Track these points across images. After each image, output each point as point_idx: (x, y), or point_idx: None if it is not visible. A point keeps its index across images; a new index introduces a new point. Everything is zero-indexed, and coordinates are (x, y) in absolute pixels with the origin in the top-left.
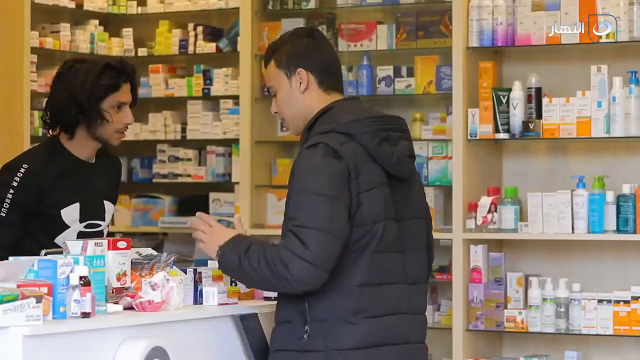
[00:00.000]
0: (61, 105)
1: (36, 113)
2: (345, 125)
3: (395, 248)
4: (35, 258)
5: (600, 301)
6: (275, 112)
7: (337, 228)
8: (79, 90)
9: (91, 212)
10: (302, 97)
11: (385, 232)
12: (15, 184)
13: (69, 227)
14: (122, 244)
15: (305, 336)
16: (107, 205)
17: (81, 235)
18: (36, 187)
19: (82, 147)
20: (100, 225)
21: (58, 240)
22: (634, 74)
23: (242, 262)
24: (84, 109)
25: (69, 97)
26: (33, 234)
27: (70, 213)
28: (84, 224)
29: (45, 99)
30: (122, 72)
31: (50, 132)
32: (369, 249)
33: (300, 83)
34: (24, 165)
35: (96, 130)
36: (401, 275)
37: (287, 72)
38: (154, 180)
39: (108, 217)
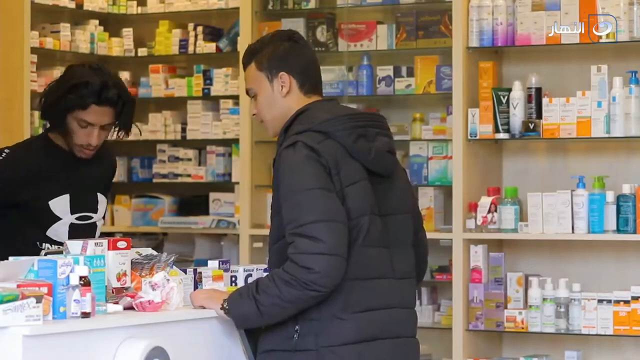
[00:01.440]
0: (43, 107)
1: (36, 113)
2: (321, 124)
3: (381, 243)
4: (35, 258)
5: (600, 301)
6: (254, 114)
7: (339, 214)
8: (49, 94)
9: (82, 204)
10: (283, 100)
11: (370, 226)
12: None
13: (60, 218)
14: (122, 244)
15: (295, 336)
16: (100, 197)
17: (73, 228)
18: (13, 172)
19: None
20: (92, 218)
21: (50, 232)
22: (634, 74)
23: (258, 300)
24: (50, 116)
25: (44, 96)
26: (24, 227)
27: (60, 204)
28: (76, 215)
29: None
30: (99, 94)
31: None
32: (357, 243)
33: (282, 86)
34: (5, 150)
35: (62, 136)
36: (389, 270)
37: (268, 75)
38: (154, 180)
39: (101, 208)
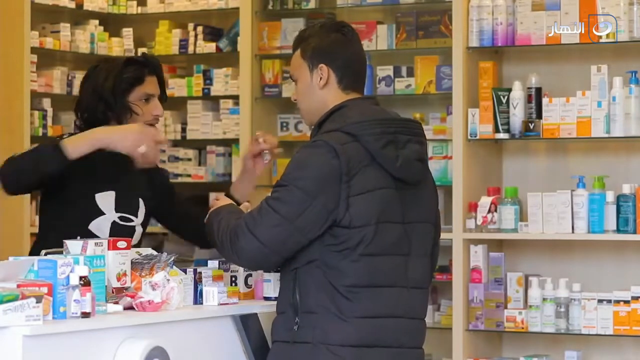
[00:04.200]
0: (88, 104)
1: (36, 113)
2: (352, 125)
3: (397, 251)
4: (35, 258)
5: (600, 301)
6: (295, 100)
7: (302, 223)
8: (103, 86)
9: (126, 205)
10: (320, 92)
11: (377, 235)
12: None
13: (104, 214)
14: (122, 244)
15: (295, 327)
16: (142, 203)
17: (115, 227)
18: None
19: None
20: (133, 221)
21: (92, 226)
22: (634, 74)
23: (215, 226)
24: (109, 104)
25: (94, 94)
26: (70, 216)
27: (106, 199)
28: (119, 214)
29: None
30: (145, 65)
31: None
32: (357, 252)
33: (320, 78)
34: (64, 135)
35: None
36: (402, 278)
37: (310, 64)
38: None
39: (141, 215)
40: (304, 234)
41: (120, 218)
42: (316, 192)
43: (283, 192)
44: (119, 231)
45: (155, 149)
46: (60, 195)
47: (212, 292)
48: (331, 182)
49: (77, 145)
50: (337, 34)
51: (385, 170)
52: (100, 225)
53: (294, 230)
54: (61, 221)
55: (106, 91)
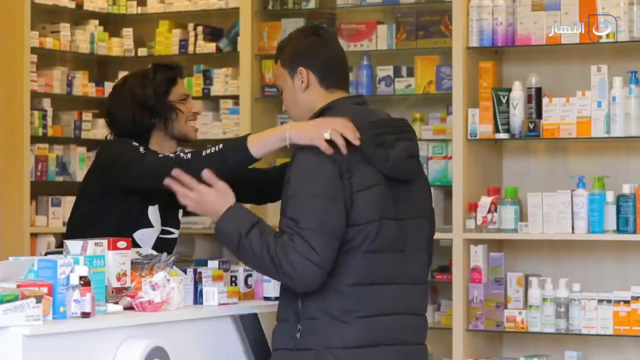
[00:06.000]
0: (131, 117)
1: (36, 113)
2: None
3: (395, 248)
4: (35, 258)
5: (600, 301)
6: (285, 110)
7: (335, 228)
8: (144, 95)
9: (169, 218)
10: (304, 95)
11: (380, 232)
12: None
13: (152, 226)
14: (122, 244)
15: (297, 334)
16: (181, 213)
17: (158, 241)
18: None
19: (159, 150)
20: (174, 233)
21: (137, 235)
22: (634, 74)
23: (242, 242)
24: (154, 108)
25: (135, 105)
26: (113, 223)
27: (154, 213)
28: (162, 228)
29: (106, 120)
30: (172, 68)
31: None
32: (362, 249)
33: (302, 82)
34: (134, 143)
35: (173, 127)
36: (400, 275)
37: (290, 71)
38: None
39: (179, 225)
40: (339, 237)
41: (163, 232)
42: (332, 192)
43: (305, 206)
44: (162, 244)
45: (339, 137)
46: (115, 200)
47: (212, 292)
48: (337, 182)
49: (265, 144)
50: (313, 37)
51: (377, 169)
52: (145, 235)
53: (333, 238)
54: (106, 224)
55: (149, 98)
